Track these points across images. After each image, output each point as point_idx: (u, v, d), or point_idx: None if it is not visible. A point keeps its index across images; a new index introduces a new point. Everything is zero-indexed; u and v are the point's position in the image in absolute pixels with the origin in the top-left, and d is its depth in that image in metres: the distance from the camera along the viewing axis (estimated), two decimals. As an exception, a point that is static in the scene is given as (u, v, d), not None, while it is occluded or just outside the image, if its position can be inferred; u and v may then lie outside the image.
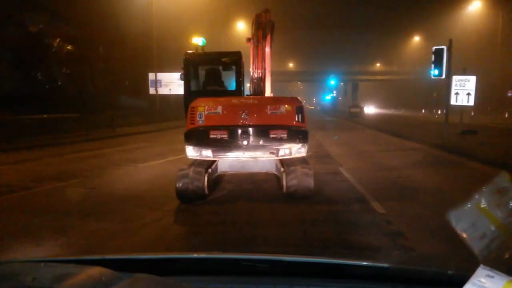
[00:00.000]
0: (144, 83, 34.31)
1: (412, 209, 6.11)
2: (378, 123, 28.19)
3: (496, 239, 1.13)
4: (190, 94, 7.72)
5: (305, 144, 6.44)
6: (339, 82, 61.37)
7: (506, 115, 35.60)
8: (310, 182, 6.37)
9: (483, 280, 0.92)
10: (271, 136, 6.29)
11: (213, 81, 8.30)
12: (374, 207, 6.10)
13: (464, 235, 1.16)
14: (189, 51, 8.45)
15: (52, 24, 25.73)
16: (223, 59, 8.13)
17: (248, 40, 8.27)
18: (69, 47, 28.70)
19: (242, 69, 8.14)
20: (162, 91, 34.51)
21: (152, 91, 33.66)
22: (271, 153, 6.38)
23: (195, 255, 1.55)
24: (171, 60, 32.36)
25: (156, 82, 32.56)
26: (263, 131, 6.32)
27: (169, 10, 35.43)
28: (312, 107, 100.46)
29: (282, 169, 6.75)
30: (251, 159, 6.59)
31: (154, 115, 30.35)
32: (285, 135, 6.29)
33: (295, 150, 6.38)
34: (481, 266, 0.95)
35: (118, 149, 14.40)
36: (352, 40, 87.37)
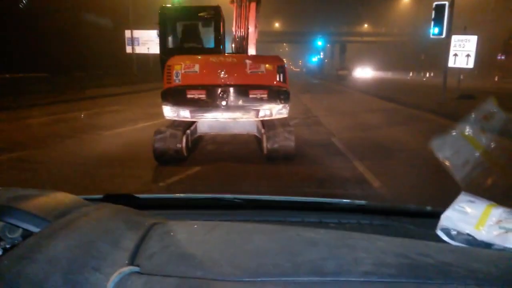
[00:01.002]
0: (120, 41, 32.00)
1: (420, 190, 5.05)
2: (367, 87, 26.96)
3: (479, 165, 1.11)
4: (166, 52, 7.29)
5: (287, 105, 6.26)
6: (326, 43, 59.49)
7: (496, 79, 34.85)
8: (291, 144, 6.15)
9: (464, 205, 0.93)
10: (251, 96, 6.09)
11: (191, 38, 7.94)
12: (376, 187, 5.05)
13: (447, 163, 1.13)
14: (165, 5, 8.12)
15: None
16: (201, 14, 7.69)
17: (231, 1, 7.81)
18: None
19: (222, 26, 7.70)
20: (140, 50, 32.60)
21: (129, 50, 31.52)
22: (251, 113, 6.19)
23: (180, 195, 1.58)
24: (150, 16, 30.33)
25: (132, 40, 30.43)
26: (243, 91, 6.10)
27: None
28: (298, 70, 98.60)
29: (262, 131, 6.51)
30: (231, 120, 6.37)
31: (131, 76, 28.52)
32: (265, 96, 6.09)
33: (276, 111, 6.18)
34: (463, 192, 0.96)
35: (85, 114, 12.96)
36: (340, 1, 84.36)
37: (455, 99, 15.23)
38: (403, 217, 1.30)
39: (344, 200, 1.49)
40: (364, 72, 51.45)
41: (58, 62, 22.83)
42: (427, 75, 43.97)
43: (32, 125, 10.55)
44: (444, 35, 13.52)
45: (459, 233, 0.91)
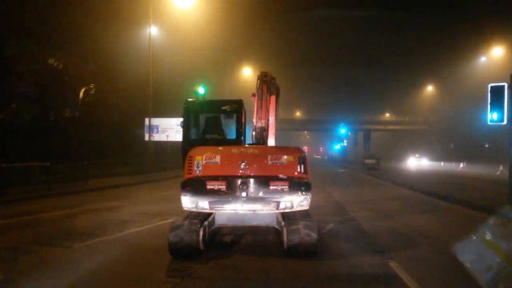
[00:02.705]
0: (140, 128, 31.11)
1: None
2: (400, 178, 24.21)
3: (502, 270, 1.59)
4: (188, 142, 7.47)
5: (308, 197, 6.09)
6: (348, 131, 58.33)
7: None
8: (313, 238, 5.97)
9: None
10: (272, 187, 6.00)
11: (213, 129, 8.15)
12: None
13: (471, 267, 1.76)
14: (189, 99, 8.34)
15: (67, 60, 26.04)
16: (223, 107, 8.03)
17: (253, 95, 8.06)
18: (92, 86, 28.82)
19: (243, 118, 7.85)
20: (159, 137, 31.68)
21: (147, 138, 30.44)
22: (271, 205, 6.03)
23: None
24: (170, 105, 29.96)
25: (149, 128, 29.44)
26: (263, 182, 6.02)
27: (171, 55, 33.51)
28: (319, 157, 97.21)
29: (282, 223, 6.36)
30: (251, 212, 6.20)
31: (145, 165, 26.88)
32: (286, 187, 5.99)
33: (297, 202, 6.03)
34: None
35: (72, 211, 10.73)
36: (361, 90, 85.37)
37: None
38: None
39: None
40: (419, 162, 48.26)
41: (65, 151, 21.55)
42: (461, 165, 41.14)
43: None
44: (505, 121, 11.23)
45: None
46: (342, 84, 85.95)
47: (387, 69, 73.70)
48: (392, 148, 72.86)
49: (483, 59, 47.41)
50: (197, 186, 6.01)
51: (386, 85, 73.84)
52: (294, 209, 6.07)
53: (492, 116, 11.35)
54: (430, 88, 62.03)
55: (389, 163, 48.70)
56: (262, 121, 7.62)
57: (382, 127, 67.44)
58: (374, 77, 72.73)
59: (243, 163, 6.03)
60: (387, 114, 72.23)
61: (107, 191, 15.97)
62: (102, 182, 18.11)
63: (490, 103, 11.32)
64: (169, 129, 31.57)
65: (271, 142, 8.32)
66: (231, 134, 7.97)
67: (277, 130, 9.01)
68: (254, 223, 6.82)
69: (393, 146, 75.58)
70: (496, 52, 44.05)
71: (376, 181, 23.64)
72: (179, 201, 6.16)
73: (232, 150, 6.35)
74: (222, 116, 8.22)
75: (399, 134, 71.07)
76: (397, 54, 72.61)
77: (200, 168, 6.05)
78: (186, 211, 6.34)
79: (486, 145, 44.64)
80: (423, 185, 18.54)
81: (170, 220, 8.69)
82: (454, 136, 51.94)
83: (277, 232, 6.96)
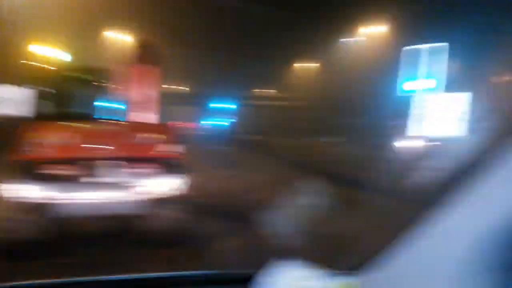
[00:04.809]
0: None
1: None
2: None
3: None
4: (29, 117, 6.64)
5: (180, 180, 5.39)
6: (236, 105, 57.47)
7: None
8: (178, 224, 5.43)
9: (273, 271, 1.01)
10: (133, 170, 5.21)
11: (64, 101, 6.97)
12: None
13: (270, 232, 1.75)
14: (30, 62, 5.49)
15: None
16: (82, 76, 7.38)
17: (126, 63, 7.29)
18: None
19: (107, 89, 7.04)
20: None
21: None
22: (133, 192, 5.20)
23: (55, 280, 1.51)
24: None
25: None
26: (123, 165, 5.21)
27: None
28: (203, 133, 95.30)
29: (145, 210, 5.51)
30: (105, 200, 5.29)
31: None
32: (151, 169, 5.31)
33: (166, 187, 5.28)
34: (271, 258, 1.05)
35: None
36: (242, 65, 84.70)
37: None
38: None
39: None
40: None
41: None
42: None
43: None
44: None
45: None
46: (229, 59, 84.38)
47: (264, 46, 73.98)
48: (281, 124, 73.78)
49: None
50: (29, 171, 5.04)
51: (263, 61, 74.10)
52: (162, 195, 5.38)
53: None
54: (305, 65, 63.56)
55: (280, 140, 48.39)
56: (136, 94, 6.98)
57: (265, 102, 67.50)
58: (252, 53, 72.43)
59: (96, 142, 5.38)
60: (271, 90, 73.01)
61: None
62: None
63: None
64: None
65: (149, 117, 7.66)
66: (89, 107, 7.07)
67: (157, 104, 8.13)
68: (109, 212, 5.86)
69: (280, 122, 76.55)
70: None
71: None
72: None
73: (86, 127, 5.71)
74: (79, 86, 7.39)
75: (283, 110, 72.05)
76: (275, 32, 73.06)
77: (37, 148, 5.15)
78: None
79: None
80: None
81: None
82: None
83: (139, 220, 6.18)
